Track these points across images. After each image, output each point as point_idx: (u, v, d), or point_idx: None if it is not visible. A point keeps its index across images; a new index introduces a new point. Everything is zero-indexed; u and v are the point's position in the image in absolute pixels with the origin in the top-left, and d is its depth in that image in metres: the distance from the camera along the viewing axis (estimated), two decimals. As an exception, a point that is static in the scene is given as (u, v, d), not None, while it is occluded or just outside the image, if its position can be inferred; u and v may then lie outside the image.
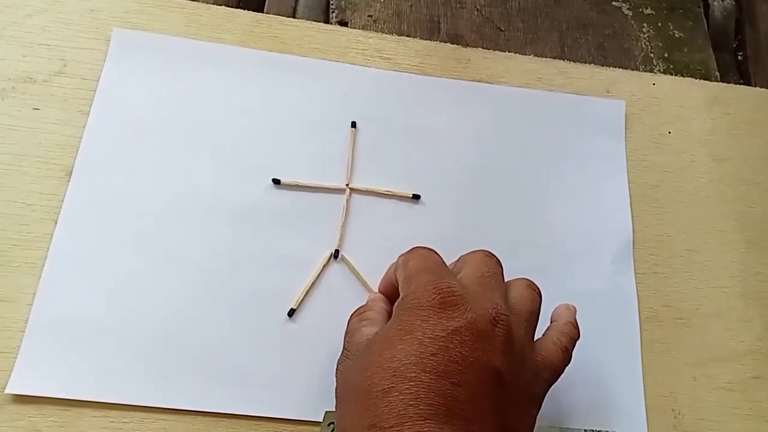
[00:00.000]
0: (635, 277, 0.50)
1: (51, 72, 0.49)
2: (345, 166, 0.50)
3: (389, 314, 0.40)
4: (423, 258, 0.38)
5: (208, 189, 0.47)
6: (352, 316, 0.41)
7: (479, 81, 0.54)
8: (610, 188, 0.52)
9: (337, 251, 0.47)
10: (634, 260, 0.50)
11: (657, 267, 0.50)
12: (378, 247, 0.48)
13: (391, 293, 0.42)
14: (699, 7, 0.69)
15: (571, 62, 0.57)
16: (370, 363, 0.32)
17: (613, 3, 0.67)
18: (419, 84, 0.54)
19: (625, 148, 0.54)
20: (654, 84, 0.57)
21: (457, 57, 0.55)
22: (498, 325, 0.33)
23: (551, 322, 0.42)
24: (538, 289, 0.40)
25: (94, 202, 0.46)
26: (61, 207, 0.45)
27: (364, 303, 0.42)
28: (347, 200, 0.49)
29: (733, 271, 0.51)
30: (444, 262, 0.39)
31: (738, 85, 0.61)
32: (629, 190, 0.53)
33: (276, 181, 0.48)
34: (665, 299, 0.49)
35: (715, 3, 0.71)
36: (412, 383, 0.30)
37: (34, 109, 0.48)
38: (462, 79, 0.54)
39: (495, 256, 0.40)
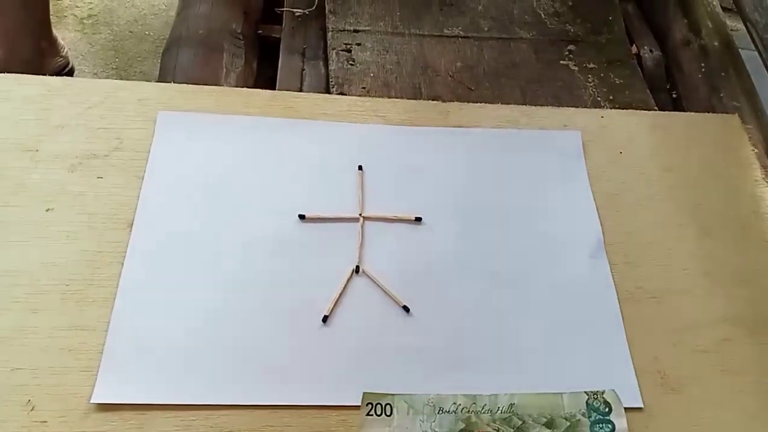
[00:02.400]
0: (610, 267, 0.59)
1: (110, 149, 0.60)
2: (357, 200, 0.60)
3: None
4: None
5: (245, 227, 0.57)
6: None
7: (458, 126, 0.66)
8: (578, 200, 0.63)
9: (358, 267, 0.56)
10: (607, 253, 0.59)
11: (626, 257, 0.60)
12: (391, 262, 0.57)
13: None
14: (633, 59, 0.83)
15: (533, 106, 0.69)
16: None
17: (561, 62, 0.81)
18: (410, 133, 0.65)
19: (586, 167, 0.65)
20: (602, 117, 0.69)
21: (439, 110, 0.67)
22: None
23: None
24: None
25: (152, 245, 0.55)
26: (125, 252, 0.54)
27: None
28: (362, 227, 0.58)
29: (693, 256, 0.60)
30: None
31: (673, 112, 0.73)
32: (595, 200, 0.63)
33: (302, 217, 0.58)
34: (638, 282, 0.58)
35: (646, 55, 0.85)
36: None
37: (98, 177, 0.58)
38: (444, 126, 0.66)
39: None
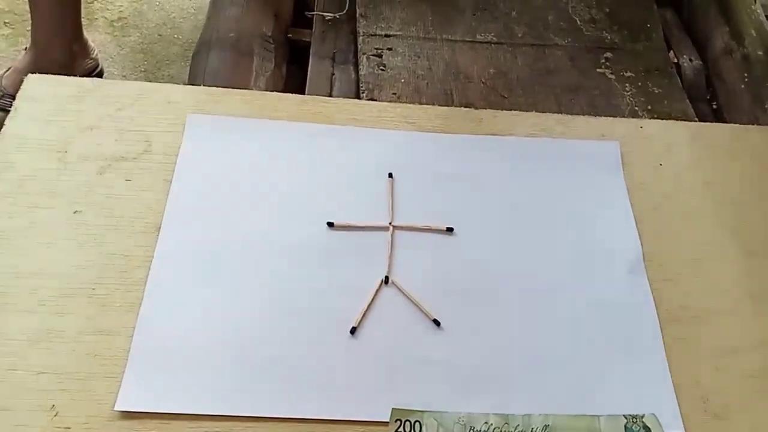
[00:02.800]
0: (649, 284, 0.56)
1: (139, 151, 0.59)
2: (387, 209, 0.58)
3: None
4: None
5: (274, 235, 0.56)
6: None
7: (492, 135, 0.64)
8: (615, 213, 0.60)
9: (387, 278, 0.54)
10: (646, 270, 0.57)
11: (667, 275, 0.57)
12: (421, 273, 0.55)
13: None
14: (672, 68, 0.80)
15: (568, 115, 0.67)
16: None
17: (598, 70, 0.78)
18: (441, 140, 0.63)
19: (625, 180, 0.63)
20: (642, 127, 0.67)
21: (471, 118, 0.66)
22: None
23: None
24: None
25: (180, 249, 0.54)
26: (152, 256, 0.54)
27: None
28: (391, 236, 0.57)
29: (736, 275, 0.58)
30: None
31: (714, 123, 0.70)
32: (634, 213, 0.61)
33: (330, 224, 0.57)
34: (679, 301, 0.56)
35: (686, 64, 0.82)
36: None
37: (126, 180, 0.58)
38: (477, 134, 0.64)
39: None
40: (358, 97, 0.71)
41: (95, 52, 1.36)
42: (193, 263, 0.54)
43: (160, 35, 1.49)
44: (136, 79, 1.36)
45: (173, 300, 0.52)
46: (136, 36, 1.48)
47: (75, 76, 1.31)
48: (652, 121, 0.68)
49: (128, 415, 0.47)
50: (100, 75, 1.38)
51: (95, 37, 1.43)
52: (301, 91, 0.73)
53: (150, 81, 1.32)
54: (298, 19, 0.82)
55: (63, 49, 1.26)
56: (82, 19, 1.32)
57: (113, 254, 0.53)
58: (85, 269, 0.52)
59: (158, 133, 0.61)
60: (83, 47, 1.32)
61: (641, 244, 0.59)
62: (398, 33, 0.77)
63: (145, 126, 0.61)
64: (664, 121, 0.69)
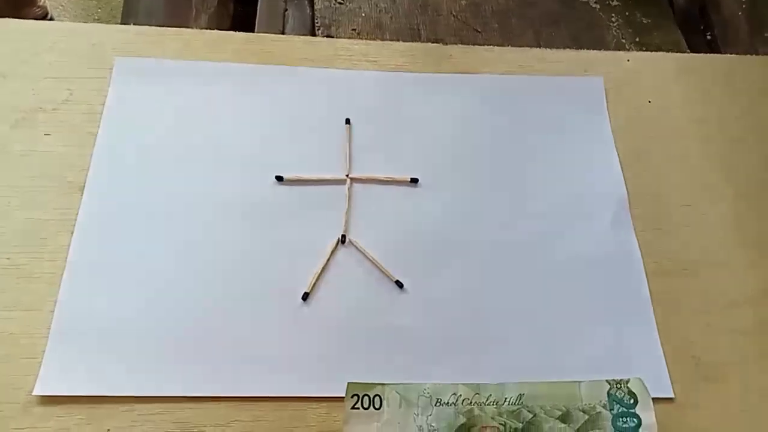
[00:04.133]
0: (635, 235, 0.51)
1: (59, 101, 0.52)
2: (344, 159, 0.52)
3: None
4: None
5: (214, 192, 0.49)
6: None
7: (462, 73, 0.57)
8: (598, 156, 0.54)
9: (344, 236, 0.49)
10: (632, 219, 0.51)
11: (655, 223, 0.52)
12: (382, 230, 0.49)
13: None
14: (662, -4, 0.73)
15: (548, 49, 0.60)
16: None
17: (580, -1, 0.71)
18: (405, 80, 0.56)
19: (609, 120, 0.56)
20: (629, 60, 0.60)
21: (439, 54, 0.59)
22: None
23: None
24: None
25: (107, 211, 0.48)
26: (75, 220, 0.47)
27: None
28: (349, 189, 0.51)
29: (727, 222, 0.52)
30: None
31: (708, 54, 0.64)
32: (619, 156, 0.54)
33: (279, 178, 0.50)
34: (668, 253, 0.51)
35: (677, -9, 0.75)
36: None
37: (45, 134, 0.50)
38: (446, 73, 0.57)
39: None
40: (313, 35, 0.64)
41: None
42: (122, 227, 0.47)
43: (115, -21, 1.38)
44: (90, 28, 1.28)
45: (100, 270, 0.46)
46: (87, -20, 1.38)
47: (20, 25, 1.22)
48: (640, 53, 0.62)
49: (50, 399, 0.41)
50: (49, 24, 1.28)
51: (43, -18, 1.33)
52: (250, 30, 0.65)
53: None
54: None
55: (3, -5, 1.16)
56: (28, -38, 1.22)
57: (30, 219, 0.47)
58: (-1, 236, 0.46)
59: (81, 79, 0.53)
60: (27, -7, 1.22)
61: (626, 191, 0.53)
62: (358, -39, 0.68)
63: (66, 72, 0.53)
64: (654, 53, 0.62)
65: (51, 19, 1.26)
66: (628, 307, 0.48)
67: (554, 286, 0.48)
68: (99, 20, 1.29)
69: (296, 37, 0.59)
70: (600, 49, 0.65)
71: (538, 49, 0.60)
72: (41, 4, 1.26)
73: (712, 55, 0.64)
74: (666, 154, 0.55)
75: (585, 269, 0.49)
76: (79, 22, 1.27)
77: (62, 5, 1.32)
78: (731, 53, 0.69)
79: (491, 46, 0.60)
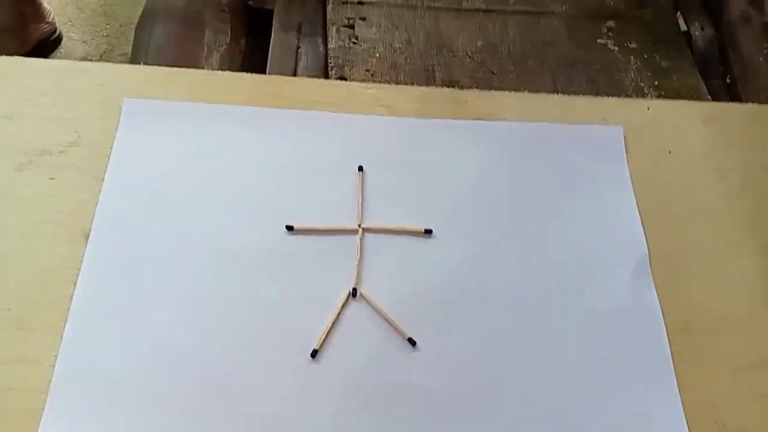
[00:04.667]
0: (656, 291, 0.49)
1: (65, 144, 0.51)
2: (356, 208, 0.50)
3: None
4: None
5: (223, 239, 0.48)
6: None
7: (478, 119, 0.56)
8: (618, 208, 0.53)
9: (354, 290, 0.47)
10: (652, 275, 0.50)
11: (676, 279, 0.50)
12: (395, 283, 0.48)
13: None
14: (681, 38, 0.72)
15: (566, 95, 0.59)
16: None
17: (599, 41, 0.70)
18: (420, 126, 0.55)
19: (629, 170, 0.55)
20: (649, 108, 0.59)
21: (455, 99, 0.57)
22: None
23: None
24: None
25: (112, 259, 0.46)
26: (79, 268, 0.46)
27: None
28: (360, 239, 0.49)
29: (752, 279, 0.51)
30: None
31: (730, 103, 0.62)
32: (639, 208, 0.53)
33: (290, 228, 0.49)
34: (690, 310, 0.49)
35: (697, 33, 0.74)
36: None
37: (50, 178, 0.49)
38: (461, 119, 0.56)
39: None
40: (326, 74, 0.63)
41: (51, 15, 1.24)
42: (127, 276, 0.46)
43: (123, -5, 1.38)
44: (97, 45, 1.24)
45: (103, 320, 0.44)
46: (97, -4, 1.37)
47: (27, 42, 1.21)
48: (660, 101, 0.60)
49: (47, 462, 0.39)
50: (58, 41, 1.26)
51: (52, -2, 1.33)
52: (263, 67, 0.64)
53: (113, 47, 1.21)
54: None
55: (12, 13, 1.14)
56: (37, -22, 1.21)
57: (33, 266, 0.46)
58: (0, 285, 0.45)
59: (89, 121, 0.52)
60: (36, 9, 1.20)
61: (647, 245, 0.51)
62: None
63: (73, 113, 0.52)
64: (674, 101, 0.60)
65: (60, 35, 1.25)
66: (648, 366, 0.46)
67: (571, 344, 0.47)
68: (108, 36, 1.28)
69: (309, 80, 0.57)
70: (618, 93, 0.64)
71: (556, 95, 0.59)
72: (50, 20, 1.25)
73: (733, 104, 0.62)
74: (687, 207, 0.54)
75: (603, 327, 0.48)
76: (90, 38, 1.26)
77: (71, 21, 1.31)
78: (751, 97, 0.68)
79: (507, 92, 0.59)
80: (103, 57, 1.32)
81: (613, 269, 0.50)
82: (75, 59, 1.16)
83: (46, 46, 1.27)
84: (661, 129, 0.58)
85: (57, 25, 1.27)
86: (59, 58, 1.17)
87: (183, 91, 0.55)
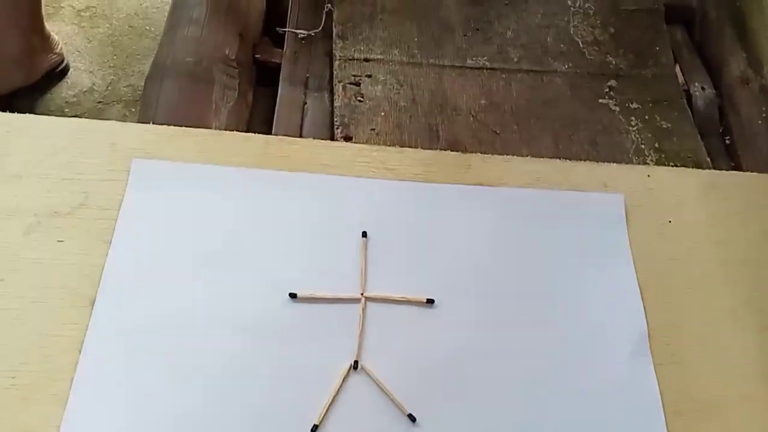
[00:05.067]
0: (654, 368, 0.50)
1: (74, 205, 0.51)
2: (359, 276, 0.51)
3: None
4: None
5: (227, 308, 0.49)
6: None
7: (481, 184, 0.57)
8: (618, 281, 0.53)
9: (356, 362, 0.47)
10: (651, 350, 0.50)
11: (674, 357, 0.50)
12: (396, 355, 0.48)
13: None
14: (682, 98, 0.73)
15: (567, 160, 0.60)
16: None
17: (600, 101, 0.71)
18: (424, 191, 0.56)
19: (629, 239, 0.55)
20: (649, 175, 0.59)
21: (458, 163, 0.58)
22: None
23: None
24: None
25: (117, 328, 0.47)
26: (84, 336, 0.46)
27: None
28: (363, 309, 0.50)
29: (751, 355, 0.51)
30: None
31: (730, 172, 0.63)
32: (638, 279, 0.54)
33: (293, 295, 0.49)
34: (688, 390, 0.49)
35: (697, 93, 0.75)
36: None
37: (58, 241, 0.50)
38: (464, 184, 0.57)
39: None
40: (332, 131, 0.63)
41: (59, 46, 1.25)
42: (130, 345, 0.46)
43: (131, 26, 1.38)
44: (104, 75, 1.25)
45: (106, 391, 0.44)
46: (105, 27, 1.37)
47: (36, 72, 1.21)
48: (661, 168, 0.61)
49: None
50: (65, 71, 1.27)
51: (61, 27, 1.32)
52: (270, 121, 0.65)
53: (119, 77, 1.22)
54: (268, 37, 0.73)
55: (21, 43, 1.15)
56: (46, 8, 1.21)
57: (38, 334, 0.46)
58: (3, 353, 0.45)
59: (97, 182, 0.53)
60: (44, 40, 1.21)
61: (646, 320, 0.52)
62: (379, 57, 0.68)
63: (82, 173, 0.53)
64: (675, 168, 0.61)
65: (67, 66, 1.26)
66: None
67: (570, 422, 0.47)
68: (115, 67, 1.29)
69: (314, 141, 0.58)
70: (619, 155, 0.65)
71: (557, 160, 0.60)
72: (57, 50, 1.26)
73: (734, 172, 0.63)
74: (686, 279, 0.54)
75: (601, 405, 0.48)
76: (97, 68, 1.26)
77: (78, 51, 1.32)
78: (749, 160, 0.69)
79: (510, 156, 0.59)
80: (109, 87, 1.33)
81: (613, 346, 0.50)
82: (82, 89, 1.17)
83: (53, 76, 1.27)
84: (661, 197, 0.58)
85: (65, 55, 1.28)
86: (66, 87, 1.19)
87: (192, 151, 0.55)
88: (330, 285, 0.50)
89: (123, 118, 1.26)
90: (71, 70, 1.30)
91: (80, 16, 1.37)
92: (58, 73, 1.26)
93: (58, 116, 0.53)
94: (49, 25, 1.24)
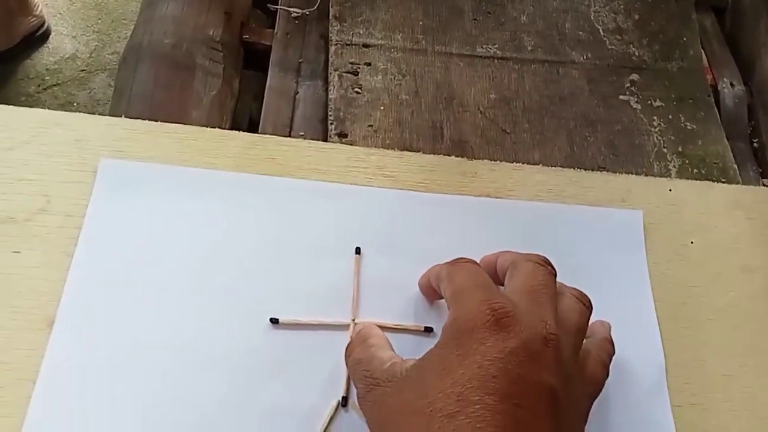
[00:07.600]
0: (671, 410, 0.45)
1: (33, 210, 0.46)
2: (350, 299, 0.46)
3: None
4: (470, 274, 0.38)
5: (202, 335, 0.44)
6: (349, 350, 0.41)
7: (487, 196, 0.52)
8: (635, 309, 0.49)
9: (344, 398, 0.43)
10: (668, 390, 0.46)
11: (693, 397, 0.46)
12: (388, 390, 0.44)
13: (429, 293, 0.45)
14: (709, 96, 0.67)
15: (582, 170, 0.54)
16: (430, 388, 0.33)
17: (620, 97, 0.65)
18: (425, 202, 0.51)
19: (647, 262, 0.50)
20: (671, 190, 0.54)
21: (463, 171, 0.53)
22: (549, 344, 0.34)
23: (586, 338, 0.40)
24: (588, 300, 0.39)
25: (79, 355, 0.42)
26: (40, 364, 0.41)
27: (353, 332, 0.44)
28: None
29: (777, 398, 0.47)
30: (489, 279, 0.38)
31: (758, 187, 0.58)
32: (656, 307, 0.49)
33: (274, 321, 0.45)
34: (705, 435, 0.45)
35: (726, 90, 0.69)
36: (478, 406, 0.31)
37: (13, 252, 0.45)
38: (469, 195, 0.51)
39: (548, 263, 0.39)
40: (326, 123, 0.58)
41: (39, 8, 1.16)
42: (96, 376, 0.42)
43: (118, -13, 1.30)
44: (87, 41, 1.17)
45: (63, 428, 0.40)
46: (90, -13, 1.29)
47: (13, 37, 1.14)
48: (683, 182, 0.56)
49: None
50: (46, 35, 1.19)
51: (41, -12, 1.25)
52: (257, 111, 0.59)
53: (104, 43, 1.13)
54: (257, 15, 0.66)
55: (-3, 5, 1.08)
56: (25, -32, 1.13)
57: (-12, 361, 0.41)
58: (-51, 384, 0.40)
59: (60, 184, 0.47)
60: (23, 2, 1.13)
61: (664, 356, 0.47)
62: (380, 42, 0.62)
63: (45, 174, 0.47)
64: (698, 182, 0.56)
65: (48, 29, 1.18)
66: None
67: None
68: (99, 32, 1.21)
69: (305, 142, 0.52)
70: (639, 160, 0.60)
71: (572, 170, 0.54)
72: (37, 13, 1.18)
73: (761, 188, 0.58)
74: (708, 309, 0.50)
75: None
76: (81, 32, 1.18)
77: (60, 13, 1.23)
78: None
79: (520, 164, 0.54)
80: (93, 54, 1.26)
81: (626, 383, 0.46)
82: (63, 56, 1.09)
83: (33, 40, 1.20)
84: (683, 214, 0.53)
85: (45, 17, 1.20)
86: (47, 53, 1.10)
87: (168, 149, 0.50)
88: (317, 309, 0.46)
89: (107, 89, 1.18)
90: (52, 34, 1.22)
91: (63, -25, 1.29)
92: (37, 37, 1.18)
93: (19, 106, 0.47)
94: (28, -16, 1.16)
